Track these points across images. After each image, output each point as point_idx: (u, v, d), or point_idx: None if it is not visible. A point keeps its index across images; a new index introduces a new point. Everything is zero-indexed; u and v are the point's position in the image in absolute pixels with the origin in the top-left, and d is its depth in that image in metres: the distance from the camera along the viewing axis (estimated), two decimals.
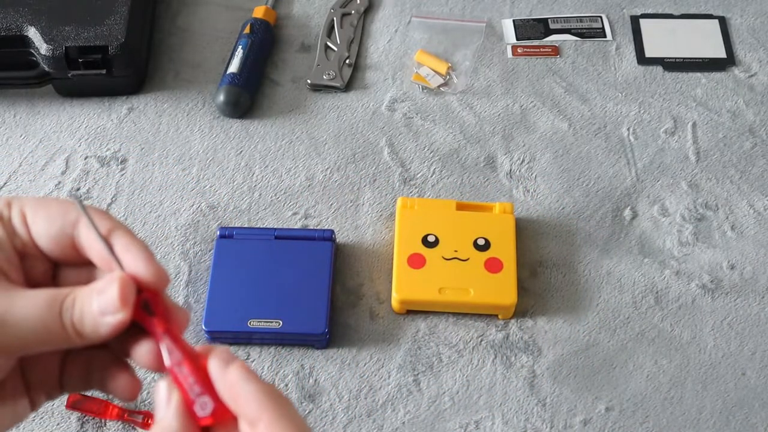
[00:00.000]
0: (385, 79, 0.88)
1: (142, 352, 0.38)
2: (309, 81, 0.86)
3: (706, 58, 0.89)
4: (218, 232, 0.74)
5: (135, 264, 0.37)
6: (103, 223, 0.37)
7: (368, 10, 0.93)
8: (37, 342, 0.36)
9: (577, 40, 0.91)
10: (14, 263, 0.38)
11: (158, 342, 0.37)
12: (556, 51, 0.90)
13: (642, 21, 0.92)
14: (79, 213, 0.38)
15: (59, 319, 0.35)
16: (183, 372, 0.36)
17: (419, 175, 0.81)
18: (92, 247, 0.38)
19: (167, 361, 0.36)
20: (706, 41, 0.90)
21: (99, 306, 0.35)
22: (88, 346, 0.38)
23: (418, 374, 0.70)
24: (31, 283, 0.38)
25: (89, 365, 0.40)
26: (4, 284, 0.36)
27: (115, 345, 0.39)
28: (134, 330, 0.37)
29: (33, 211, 0.38)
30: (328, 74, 0.87)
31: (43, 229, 0.38)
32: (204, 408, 0.35)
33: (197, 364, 0.36)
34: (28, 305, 0.35)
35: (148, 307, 0.37)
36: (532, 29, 0.91)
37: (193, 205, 0.79)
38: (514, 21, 0.92)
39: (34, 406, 0.40)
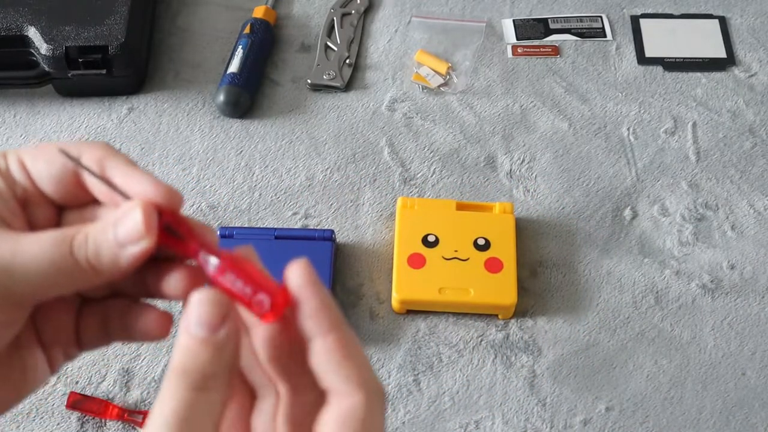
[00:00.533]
0: (385, 79, 0.87)
1: (174, 280, 0.36)
2: (309, 81, 0.86)
3: (706, 58, 0.89)
4: (218, 232, 0.74)
5: (142, 188, 0.35)
6: (93, 156, 0.36)
7: (368, 10, 0.93)
8: (48, 285, 0.34)
9: (577, 40, 0.91)
10: (16, 212, 0.36)
11: (196, 257, 0.35)
12: (556, 51, 0.90)
13: (642, 21, 0.92)
14: (78, 152, 0.36)
15: (70, 256, 0.34)
16: (229, 278, 0.34)
17: (419, 175, 0.81)
18: (96, 182, 0.36)
19: (212, 272, 0.34)
20: (706, 41, 0.90)
21: (118, 236, 0.34)
22: (101, 295, 0.37)
23: (418, 374, 0.70)
24: (35, 230, 0.36)
25: (105, 315, 0.38)
26: (6, 231, 0.35)
27: (131, 288, 0.38)
28: (152, 265, 0.36)
29: (31, 157, 0.36)
30: (328, 74, 0.87)
31: (44, 171, 0.36)
32: (262, 305, 0.34)
33: (241, 266, 0.34)
34: (33, 248, 0.33)
35: (171, 230, 0.35)
36: (532, 29, 0.91)
37: (193, 205, 0.79)
38: (514, 21, 0.92)
39: (53, 367, 0.38)
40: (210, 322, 0.33)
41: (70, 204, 0.38)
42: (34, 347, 0.37)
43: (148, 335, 0.37)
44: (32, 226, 0.37)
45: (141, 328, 0.37)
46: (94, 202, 0.37)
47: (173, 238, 0.35)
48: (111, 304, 0.38)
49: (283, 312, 0.34)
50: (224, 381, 0.33)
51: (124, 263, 0.34)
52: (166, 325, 0.37)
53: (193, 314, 0.33)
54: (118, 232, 0.34)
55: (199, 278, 0.36)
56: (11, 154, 0.36)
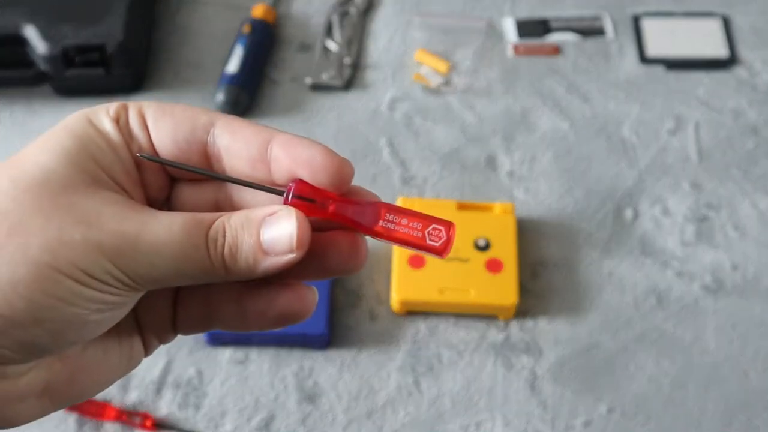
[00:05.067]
0: (385, 79, 0.87)
1: (335, 254, 0.32)
2: (309, 80, 0.86)
3: (708, 58, 0.89)
4: None
5: (309, 166, 0.31)
6: (250, 138, 0.32)
7: (368, 9, 0.92)
8: (171, 275, 0.30)
9: (578, 40, 0.90)
10: (132, 175, 0.32)
11: (343, 219, 0.32)
12: (557, 50, 0.89)
13: (644, 20, 0.91)
14: (211, 116, 0.32)
15: (203, 249, 0.30)
16: (391, 221, 0.32)
17: (419, 175, 0.80)
18: (240, 155, 0.32)
19: (370, 222, 0.32)
20: (708, 40, 0.90)
21: (264, 242, 0.30)
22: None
23: (418, 375, 0.70)
24: (148, 200, 0.33)
25: (209, 302, 0.34)
26: (128, 203, 0.31)
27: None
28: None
29: (154, 114, 0.32)
30: (328, 74, 0.86)
31: (167, 134, 0.32)
32: (440, 235, 0.32)
33: (393, 206, 0.33)
34: (161, 231, 0.30)
35: (302, 198, 0.32)
36: (533, 28, 0.91)
37: None
38: (515, 20, 0.91)
39: (148, 350, 0.35)
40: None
41: (187, 177, 0.34)
42: (131, 330, 0.34)
43: (285, 318, 0.33)
44: (144, 191, 0.34)
45: (275, 310, 0.33)
46: (211, 179, 0.34)
47: (307, 203, 0.31)
48: (219, 290, 0.34)
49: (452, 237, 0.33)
50: None
51: (262, 271, 0.31)
52: (310, 300, 0.33)
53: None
54: (264, 236, 0.31)
55: (357, 238, 0.33)
56: (133, 107, 0.33)
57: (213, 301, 0.34)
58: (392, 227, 0.32)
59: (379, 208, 0.32)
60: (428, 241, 0.32)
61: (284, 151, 0.32)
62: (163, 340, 0.36)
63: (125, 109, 0.33)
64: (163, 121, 0.32)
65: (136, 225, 0.30)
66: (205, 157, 0.33)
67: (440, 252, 0.32)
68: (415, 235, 0.32)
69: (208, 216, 0.31)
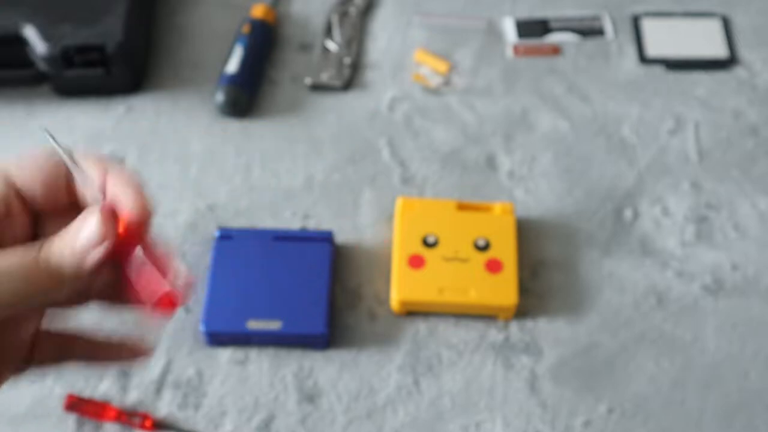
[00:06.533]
0: (385, 79, 0.87)
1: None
2: (308, 80, 0.86)
3: (708, 58, 0.89)
4: (217, 234, 0.73)
5: (124, 197, 0.36)
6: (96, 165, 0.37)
7: (368, 9, 0.92)
8: (20, 297, 0.34)
9: (578, 39, 0.90)
10: None
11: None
12: (557, 50, 0.89)
13: (643, 20, 0.91)
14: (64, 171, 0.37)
15: (38, 265, 0.34)
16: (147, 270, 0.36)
17: (419, 175, 0.80)
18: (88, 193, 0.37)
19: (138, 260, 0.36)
20: (708, 40, 0.90)
21: (81, 242, 0.35)
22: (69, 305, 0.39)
23: (418, 375, 0.70)
24: (11, 241, 0.37)
25: (65, 341, 0.40)
26: None
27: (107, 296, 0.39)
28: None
29: (17, 167, 0.38)
30: (328, 74, 0.86)
31: (30, 179, 0.37)
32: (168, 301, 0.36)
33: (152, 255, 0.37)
34: (6, 259, 0.34)
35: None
36: (533, 28, 0.91)
37: (191, 206, 0.78)
38: (514, 20, 0.91)
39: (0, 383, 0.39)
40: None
41: (51, 210, 0.39)
42: None
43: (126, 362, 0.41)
44: (9, 236, 0.38)
45: (116, 357, 0.41)
46: (75, 211, 0.38)
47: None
48: (74, 335, 0.40)
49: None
50: None
51: (87, 267, 0.35)
52: (145, 350, 0.41)
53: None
54: (81, 236, 0.35)
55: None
56: None
57: (67, 345, 0.40)
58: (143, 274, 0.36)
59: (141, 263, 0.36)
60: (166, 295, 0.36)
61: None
62: (20, 370, 0.40)
63: None
64: (26, 169, 0.37)
65: None
66: (68, 190, 0.38)
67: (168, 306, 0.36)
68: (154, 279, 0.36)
69: (40, 241, 0.35)
